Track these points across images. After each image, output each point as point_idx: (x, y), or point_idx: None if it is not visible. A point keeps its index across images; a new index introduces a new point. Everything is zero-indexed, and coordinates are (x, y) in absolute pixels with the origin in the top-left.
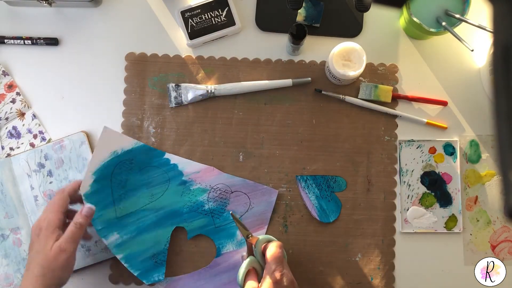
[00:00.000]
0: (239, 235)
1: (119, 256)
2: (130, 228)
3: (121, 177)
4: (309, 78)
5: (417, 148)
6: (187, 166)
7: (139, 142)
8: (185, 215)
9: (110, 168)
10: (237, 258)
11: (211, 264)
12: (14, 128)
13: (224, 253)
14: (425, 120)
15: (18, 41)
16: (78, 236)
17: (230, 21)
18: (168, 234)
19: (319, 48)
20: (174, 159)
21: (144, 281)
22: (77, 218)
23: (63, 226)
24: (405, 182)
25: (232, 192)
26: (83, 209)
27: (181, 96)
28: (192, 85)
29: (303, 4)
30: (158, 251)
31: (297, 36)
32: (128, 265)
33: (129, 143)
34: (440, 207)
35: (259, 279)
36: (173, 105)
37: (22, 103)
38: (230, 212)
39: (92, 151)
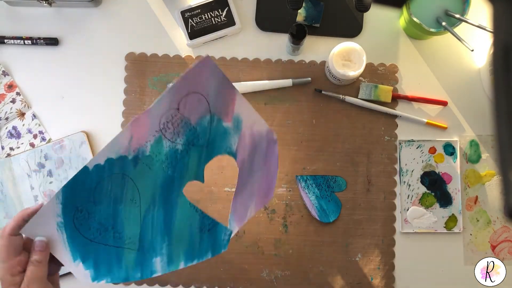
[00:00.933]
0: (232, 135)
1: (182, 265)
2: (158, 241)
3: (90, 229)
4: (309, 78)
5: (417, 148)
6: (118, 146)
7: (58, 193)
8: (175, 176)
9: (77, 239)
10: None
11: (240, 167)
12: (14, 128)
13: (237, 149)
14: (425, 120)
15: (18, 41)
16: (42, 273)
17: (230, 21)
18: (186, 205)
19: (319, 48)
20: (100, 156)
21: (224, 249)
22: (33, 256)
23: (24, 266)
24: (405, 182)
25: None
26: (35, 245)
27: None
28: None
29: (303, 4)
30: (199, 223)
31: (297, 36)
32: (197, 259)
33: (53, 211)
34: (440, 207)
35: None
36: None
37: (22, 103)
38: None
39: (92, 152)
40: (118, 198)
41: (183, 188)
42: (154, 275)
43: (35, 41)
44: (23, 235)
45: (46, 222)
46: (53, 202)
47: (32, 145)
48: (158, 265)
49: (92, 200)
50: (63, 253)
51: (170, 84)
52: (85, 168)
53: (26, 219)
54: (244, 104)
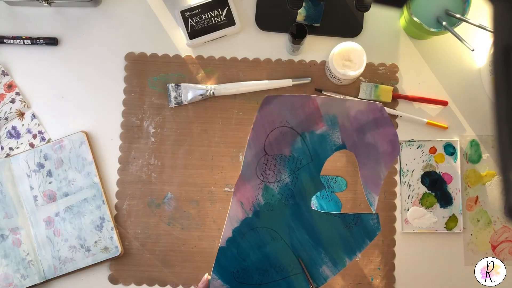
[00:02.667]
0: None
1: (347, 261)
2: (314, 254)
3: (253, 277)
4: (309, 78)
5: (417, 148)
6: (235, 217)
7: (214, 276)
8: (298, 201)
9: None
10: None
11: None
12: (14, 128)
13: None
14: (426, 120)
15: (18, 41)
16: None
17: (230, 21)
18: (321, 215)
19: (319, 48)
20: (226, 231)
21: (378, 231)
22: None
23: None
24: (405, 182)
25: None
26: None
27: (181, 96)
28: (192, 85)
29: (303, 4)
30: (342, 223)
31: (297, 36)
32: (358, 250)
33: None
34: (441, 207)
35: None
36: (173, 105)
37: (21, 103)
38: (298, 258)
39: (92, 152)
40: (260, 244)
41: (310, 204)
42: (329, 279)
43: (34, 41)
44: None
45: None
46: (213, 282)
47: (31, 145)
48: (327, 270)
49: (240, 260)
50: None
51: (171, 85)
52: (220, 248)
53: None
54: (329, 101)
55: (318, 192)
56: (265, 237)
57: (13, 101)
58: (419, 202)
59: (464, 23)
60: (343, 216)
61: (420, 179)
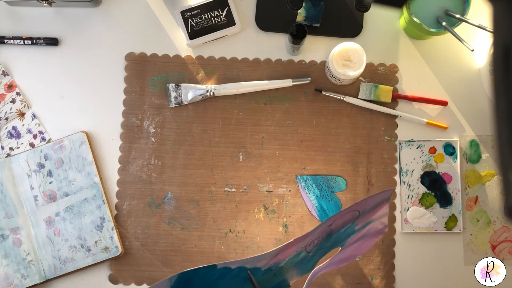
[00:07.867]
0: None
1: None
2: None
3: None
4: (309, 78)
5: (417, 148)
6: (259, 261)
7: (173, 277)
8: (299, 272)
9: None
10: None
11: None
12: (14, 128)
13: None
14: (425, 120)
15: (18, 41)
16: None
17: (230, 21)
18: None
19: (319, 48)
20: (234, 263)
21: None
22: None
23: None
24: (405, 182)
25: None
26: None
27: (181, 96)
28: (192, 85)
29: (303, 4)
30: None
31: (297, 36)
32: None
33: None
34: (440, 207)
35: None
36: (173, 105)
37: (22, 103)
38: (247, 271)
39: (92, 152)
40: None
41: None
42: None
43: (35, 41)
44: None
45: None
46: (164, 283)
47: (32, 145)
48: None
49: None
50: None
51: (171, 85)
52: (214, 265)
53: None
54: (382, 212)
55: (318, 192)
56: None
57: (13, 101)
58: (419, 202)
59: (464, 23)
60: None
61: (419, 179)
